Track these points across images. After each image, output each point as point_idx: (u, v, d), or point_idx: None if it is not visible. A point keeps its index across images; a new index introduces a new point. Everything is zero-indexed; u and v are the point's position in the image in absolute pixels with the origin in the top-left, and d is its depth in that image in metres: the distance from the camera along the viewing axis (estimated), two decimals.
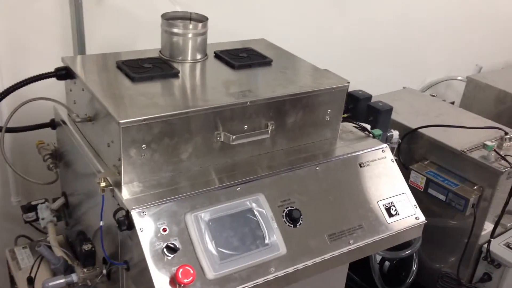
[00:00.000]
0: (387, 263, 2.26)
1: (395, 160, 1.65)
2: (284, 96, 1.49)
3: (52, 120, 1.75)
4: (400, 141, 2.18)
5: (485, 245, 2.16)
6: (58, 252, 1.65)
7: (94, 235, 1.55)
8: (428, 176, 2.16)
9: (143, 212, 1.24)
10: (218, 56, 1.70)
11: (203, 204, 1.31)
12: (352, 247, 1.45)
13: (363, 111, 2.02)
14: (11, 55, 1.82)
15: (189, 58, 1.63)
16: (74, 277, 1.51)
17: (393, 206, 1.56)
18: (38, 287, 1.64)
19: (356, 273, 2.20)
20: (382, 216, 1.53)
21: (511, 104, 2.75)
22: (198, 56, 1.65)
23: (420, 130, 2.24)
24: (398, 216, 1.56)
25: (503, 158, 2.05)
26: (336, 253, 1.42)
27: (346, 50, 2.73)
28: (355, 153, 1.60)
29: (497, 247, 2.17)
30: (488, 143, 2.06)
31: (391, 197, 1.58)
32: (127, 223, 1.23)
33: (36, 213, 1.79)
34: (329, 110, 1.60)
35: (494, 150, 2.07)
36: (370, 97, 2.05)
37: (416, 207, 1.60)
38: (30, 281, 1.66)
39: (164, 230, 1.24)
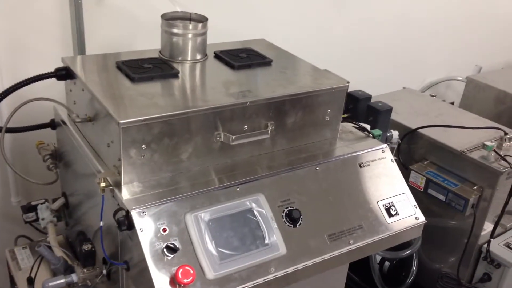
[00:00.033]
0: (387, 263, 2.26)
1: (395, 160, 1.65)
2: (284, 96, 1.49)
3: (52, 121, 1.75)
4: (400, 141, 2.18)
5: (485, 245, 2.16)
6: (58, 252, 1.65)
7: (94, 235, 1.55)
8: (428, 176, 2.16)
9: (143, 212, 1.24)
10: (218, 56, 1.70)
11: (203, 204, 1.31)
12: (352, 247, 1.45)
13: (363, 111, 2.02)
14: (11, 55, 1.82)
15: (189, 58, 1.63)
16: (74, 277, 1.51)
17: (393, 206, 1.56)
18: (38, 287, 1.64)
19: (356, 273, 2.20)
20: (382, 216, 1.53)
21: (511, 104, 2.75)
22: (198, 56, 1.65)
23: (420, 130, 2.24)
24: (398, 216, 1.56)
25: (503, 158, 2.05)
26: (336, 253, 1.42)
27: (346, 50, 2.73)
28: (355, 153, 1.60)
29: (497, 247, 2.17)
30: (488, 143, 2.06)
31: (391, 197, 1.58)
32: (127, 223, 1.23)
33: (36, 213, 1.79)
34: (329, 110, 1.60)
35: (494, 150, 2.07)
36: (369, 97, 2.06)
37: (416, 207, 1.60)
38: (30, 281, 1.66)
39: (164, 230, 1.24)
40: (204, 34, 1.63)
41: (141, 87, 1.44)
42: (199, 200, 1.31)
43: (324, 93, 1.56)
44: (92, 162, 1.43)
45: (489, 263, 2.17)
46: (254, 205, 1.36)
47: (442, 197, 2.13)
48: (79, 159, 1.54)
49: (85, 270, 1.51)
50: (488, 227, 2.15)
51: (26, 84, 1.59)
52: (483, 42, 3.48)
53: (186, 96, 1.49)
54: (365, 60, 2.83)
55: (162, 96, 1.44)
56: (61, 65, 1.57)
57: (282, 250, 1.34)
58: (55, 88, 1.68)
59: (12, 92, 1.59)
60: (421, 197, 2.04)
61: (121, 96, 1.40)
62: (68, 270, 1.58)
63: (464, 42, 3.36)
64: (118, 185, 1.31)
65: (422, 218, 1.60)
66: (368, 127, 1.78)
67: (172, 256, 1.21)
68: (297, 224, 1.39)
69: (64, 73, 1.55)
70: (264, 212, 1.36)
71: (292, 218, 1.38)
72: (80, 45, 1.88)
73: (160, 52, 1.65)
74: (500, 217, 2.14)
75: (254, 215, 1.35)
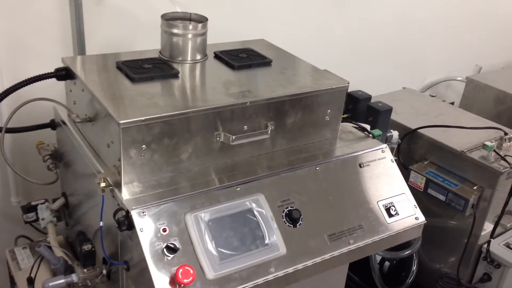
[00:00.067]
0: (387, 263, 2.26)
1: (395, 160, 1.65)
2: (283, 97, 1.49)
3: (52, 121, 1.75)
4: (399, 141, 2.18)
5: (485, 245, 2.16)
6: (58, 252, 1.65)
7: (94, 235, 1.55)
8: (427, 176, 2.16)
9: (143, 212, 1.24)
10: (218, 56, 1.70)
11: (203, 204, 1.31)
12: (352, 247, 1.45)
13: (363, 111, 2.02)
14: (11, 55, 1.82)
15: (189, 58, 1.63)
16: (74, 277, 1.51)
17: (393, 206, 1.56)
18: (38, 287, 1.64)
19: (356, 273, 2.20)
20: (382, 216, 1.54)
21: (510, 104, 2.75)
22: (198, 57, 1.65)
23: (419, 130, 2.24)
24: (398, 216, 1.56)
25: (503, 158, 2.05)
26: (336, 253, 1.42)
27: (346, 50, 2.74)
28: (355, 153, 1.60)
29: (497, 247, 2.17)
30: (488, 143, 2.06)
31: (391, 197, 1.58)
32: (127, 223, 1.23)
33: (36, 214, 1.79)
34: (329, 111, 1.60)
35: (494, 151, 2.07)
36: (369, 97, 2.06)
37: (416, 207, 1.60)
38: (30, 281, 1.66)
39: (164, 230, 1.24)
40: (204, 34, 1.63)
41: (141, 87, 1.44)
42: (199, 200, 1.32)
43: (324, 93, 1.56)
44: (92, 162, 1.43)
45: (489, 263, 2.17)
46: (254, 205, 1.36)
47: (442, 197, 2.13)
48: (79, 159, 1.54)
49: (85, 270, 1.51)
50: (488, 227, 2.15)
51: (26, 84, 1.59)
52: (483, 42, 3.48)
53: (186, 96, 1.49)
54: (365, 60, 2.83)
55: (162, 96, 1.44)
56: (61, 65, 1.57)
57: (282, 250, 1.34)
58: (55, 88, 1.68)
59: (12, 92, 1.59)
60: (421, 197, 2.04)
61: (121, 96, 1.40)
62: (68, 270, 1.58)
63: (464, 42, 3.36)
64: (118, 185, 1.31)
65: (422, 218, 1.60)
66: (368, 127, 1.78)
67: (172, 256, 1.21)
68: (297, 224, 1.39)
69: (64, 73, 1.55)
70: (264, 212, 1.36)
71: (292, 218, 1.38)
72: (80, 45, 1.88)
73: (160, 52, 1.65)
74: (500, 217, 2.14)
75: (254, 215, 1.35)
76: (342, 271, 1.71)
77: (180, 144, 1.36)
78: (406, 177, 2.14)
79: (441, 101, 2.77)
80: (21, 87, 1.59)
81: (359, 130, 1.75)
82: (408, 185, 1.65)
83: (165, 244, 1.22)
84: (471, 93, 2.90)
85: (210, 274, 1.24)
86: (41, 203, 1.80)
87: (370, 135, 1.73)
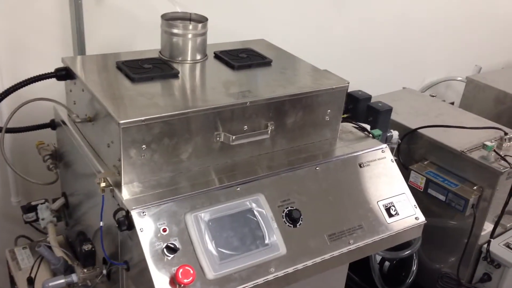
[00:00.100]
0: (387, 263, 2.26)
1: (395, 160, 1.65)
2: (283, 97, 1.49)
3: (52, 121, 1.75)
4: (399, 141, 2.18)
5: (485, 245, 2.16)
6: (58, 252, 1.65)
7: (94, 235, 1.55)
8: (427, 176, 2.16)
9: (143, 212, 1.24)
10: (218, 56, 1.70)
11: (203, 204, 1.31)
12: (352, 247, 1.45)
13: (363, 111, 2.02)
14: (11, 55, 1.82)
15: (189, 58, 1.63)
16: (74, 277, 1.51)
17: (393, 206, 1.56)
18: (38, 287, 1.64)
19: (356, 273, 2.20)
20: (382, 216, 1.54)
21: (510, 104, 2.75)
22: (198, 57, 1.65)
23: (419, 130, 2.24)
24: (398, 216, 1.56)
25: (503, 158, 2.05)
26: (336, 253, 1.42)
27: (346, 50, 2.74)
28: (355, 153, 1.60)
29: (497, 247, 2.17)
30: (488, 143, 2.06)
31: (391, 197, 1.58)
32: (127, 223, 1.23)
33: (36, 214, 1.79)
34: (329, 111, 1.60)
35: (494, 151, 2.07)
36: (369, 97, 2.06)
37: (416, 207, 1.60)
38: (30, 281, 1.66)
39: (164, 230, 1.24)
40: (204, 34, 1.63)
41: (141, 87, 1.44)
42: (199, 200, 1.32)
43: (324, 93, 1.56)
44: (92, 162, 1.43)
45: (489, 263, 2.17)
46: (254, 205, 1.36)
47: (442, 197, 2.13)
48: (79, 159, 1.54)
49: (85, 270, 1.51)
50: (488, 227, 2.15)
51: (26, 84, 1.59)
52: (483, 42, 3.48)
53: (186, 96, 1.49)
54: (365, 60, 2.83)
55: (162, 96, 1.44)
56: (61, 65, 1.57)
57: (282, 250, 1.34)
58: (55, 88, 1.68)
59: (12, 92, 1.59)
60: (421, 197, 2.04)
61: (121, 96, 1.40)
62: (68, 270, 1.58)
63: (464, 42, 3.36)
64: (118, 185, 1.31)
65: (422, 218, 1.60)
66: (368, 127, 1.78)
67: (172, 256, 1.21)
68: (297, 224, 1.39)
69: (64, 73, 1.55)
70: (264, 212, 1.36)
71: (292, 218, 1.38)
72: (80, 45, 1.88)
73: (160, 52, 1.65)
74: (500, 217, 2.14)
75: (254, 215, 1.35)
76: (342, 271, 1.71)
77: (180, 144, 1.36)
78: (406, 177, 2.14)
79: (441, 101, 2.77)
80: (21, 87, 1.59)
81: (359, 130, 1.75)
82: (408, 185, 1.65)
83: (165, 244, 1.22)
84: (471, 93, 2.90)
85: (210, 274, 1.24)
86: (41, 203, 1.80)
87: (370, 135, 1.73)
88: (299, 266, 1.35)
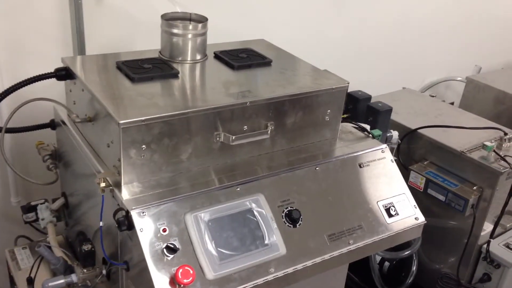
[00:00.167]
0: (386, 263, 2.26)
1: (395, 160, 1.65)
2: (283, 97, 1.49)
3: (52, 121, 1.75)
4: (399, 141, 2.18)
5: (485, 246, 2.16)
6: (58, 252, 1.65)
7: (94, 235, 1.55)
8: (427, 176, 2.16)
9: (143, 213, 1.24)
10: (217, 56, 1.70)
11: (203, 205, 1.31)
12: (352, 247, 1.45)
13: (363, 111, 2.02)
14: (11, 55, 1.82)
15: (188, 58, 1.63)
16: (74, 278, 1.51)
17: (393, 206, 1.57)
18: (38, 287, 1.64)
19: (355, 273, 2.20)
20: (382, 216, 1.54)
21: (510, 104, 2.76)
22: (198, 57, 1.65)
23: (419, 130, 2.24)
24: (398, 217, 1.56)
25: (503, 158, 2.05)
26: (335, 253, 1.42)
27: (346, 50, 2.74)
28: (355, 153, 1.60)
29: (496, 247, 2.17)
30: (488, 143, 2.06)
31: (391, 197, 1.58)
32: (127, 224, 1.23)
33: (36, 214, 1.79)
34: (329, 111, 1.60)
35: (494, 151, 2.07)
36: (369, 97, 2.06)
37: (415, 208, 1.60)
38: (30, 281, 1.66)
39: (164, 230, 1.24)
40: (204, 34, 1.63)
41: (141, 87, 1.44)
42: (199, 200, 1.32)
43: (324, 94, 1.56)
44: (92, 162, 1.43)
45: (488, 263, 2.17)
46: (254, 205, 1.36)
47: (442, 198, 2.13)
48: (79, 159, 1.54)
49: (85, 270, 1.51)
50: (488, 227, 2.16)
51: (26, 84, 1.59)
52: (483, 43, 3.48)
53: (186, 96, 1.49)
54: (365, 60, 2.83)
55: (162, 96, 1.44)
56: (61, 65, 1.57)
57: (282, 250, 1.34)
58: (55, 88, 1.68)
59: (12, 92, 1.59)
60: (421, 198, 2.04)
61: (121, 96, 1.40)
62: (68, 270, 1.58)
63: (464, 42, 3.36)
64: (118, 185, 1.31)
65: (422, 219, 1.60)
66: (368, 127, 1.78)
67: (172, 256, 1.21)
68: (297, 224, 1.39)
69: (64, 73, 1.55)
70: (264, 212, 1.36)
71: (292, 218, 1.38)
72: (80, 45, 1.88)
73: (160, 52, 1.65)
74: (500, 217, 2.14)
75: (254, 215, 1.35)
76: (342, 271, 1.71)
77: (180, 144, 1.36)
78: (406, 177, 2.14)
79: (441, 101, 2.78)
80: (21, 87, 1.59)
81: (359, 130, 1.75)
82: (408, 185, 1.65)
83: (165, 244, 1.22)
84: (471, 93, 2.91)
85: (210, 274, 1.24)
86: (41, 203, 1.80)
87: (370, 135, 1.73)
88: (299, 266, 1.35)
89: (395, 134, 2.09)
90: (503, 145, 2.13)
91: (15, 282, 1.74)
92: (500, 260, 2.14)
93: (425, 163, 2.23)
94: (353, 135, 1.72)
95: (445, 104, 2.68)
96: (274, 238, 1.34)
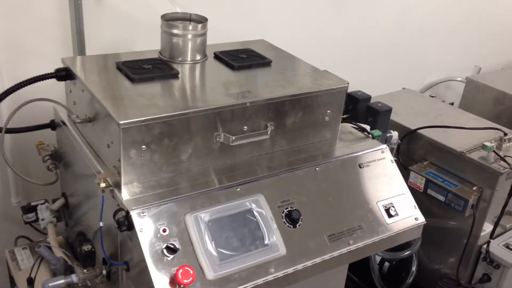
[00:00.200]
0: (386, 263, 2.26)
1: (395, 160, 1.65)
2: (283, 97, 1.49)
3: (52, 121, 1.75)
4: (399, 141, 2.18)
5: (485, 246, 2.16)
6: (58, 252, 1.65)
7: (94, 235, 1.56)
8: (427, 177, 2.16)
9: (143, 213, 1.24)
10: (217, 57, 1.70)
11: (203, 205, 1.31)
12: (352, 247, 1.45)
13: (363, 112, 2.02)
14: (11, 55, 1.82)
15: (188, 59, 1.63)
16: (74, 278, 1.51)
17: (393, 206, 1.57)
18: (38, 287, 1.64)
19: (355, 273, 2.20)
20: (382, 216, 1.54)
21: (510, 105, 2.76)
22: (198, 57, 1.65)
23: (419, 131, 2.24)
24: (398, 217, 1.56)
25: (502, 159, 2.05)
26: (335, 253, 1.42)
27: (346, 50, 2.74)
28: (355, 153, 1.60)
29: (496, 247, 2.17)
30: (487, 144, 2.06)
31: (391, 197, 1.58)
32: (127, 224, 1.23)
33: (36, 214, 1.79)
34: (329, 111, 1.60)
35: (493, 151, 2.07)
36: (369, 98, 2.06)
37: (415, 208, 1.60)
38: (30, 281, 1.66)
39: (164, 230, 1.24)
40: (204, 34, 1.63)
41: (141, 88, 1.44)
42: (199, 200, 1.32)
43: (324, 94, 1.57)
44: (92, 163, 1.43)
45: (488, 263, 2.17)
46: (254, 205, 1.36)
47: (441, 198, 2.13)
48: (79, 159, 1.54)
49: (85, 270, 1.51)
50: (487, 227, 2.16)
51: (26, 85, 1.59)
52: (483, 43, 3.48)
53: (186, 97, 1.49)
54: (364, 61, 2.83)
55: (162, 97, 1.44)
56: (61, 65, 1.57)
57: (282, 250, 1.34)
58: (55, 88, 1.68)
59: (12, 92, 1.60)
60: (421, 198, 2.04)
61: (121, 96, 1.40)
62: (68, 270, 1.58)
63: (464, 42, 3.36)
64: (118, 185, 1.31)
65: (421, 219, 1.60)
66: (367, 127, 1.78)
67: (172, 256, 1.22)
68: (297, 225, 1.39)
69: (64, 74, 1.55)
70: (264, 213, 1.36)
71: (291, 218, 1.38)
72: (80, 46, 1.88)
73: (160, 52, 1.66)
74: (499, 217, 2.14)
75: (254, 216, 1.35)
76: (341, 271, 1.72)
77: (180, 144, 1.36)
78: (406, 178, 2.14)
79: (441, 101, 2.77)
80: (21, 87, 1.59)
81: (358, 130, 1.76)
82: (408, 186, 1.65)
83: (165, 245, 1.22)
84: (471, 93, 2.91)
85: (210, 274, 1.24)
86: (41, 204, 1.80)
87: (370, 135, 1.73)
88: (299, 266, 1.35)
89: (395, 134, 2.09)
90: (503, 146, 2.13)
91: (15, 283, 1.74)
92: (500, 260, 2.14)
93: (425, 163, 2.23)
94: (353, 136, 1.72)
95: (445, 104, 2.69)
96: (274, 238, 1.34)
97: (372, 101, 2.06)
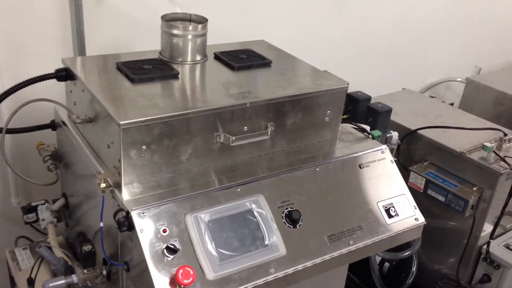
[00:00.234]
0: (386, 264, 2.26)
1: (395, 161, 1.65)
2: (283, 98, 1.49)
3: (52, 121, 1.75)
4: (399, 142, 2.18)
5: (485, 246, 2.16)
6: (58, 253, 1.65)
7: (94, 236, 1.56)
8: (427, 177, 2.16)
9: (143, 213, 1.24)
10: (217, 57, 1.70)
11: (203, 205, 1.31)
12: (352, 248, 1.45)
13: (363, 112, 2.02)
14: (11, 56, 1.82)
15: (189, 59, 1.63)
16: (74, 278, 1.51)
17: (393, 207, 1.57)
18: None
19: (355, 274, 2.20)
20: (382, 217, 1.54)
21: (510, 105, 2.76)
22: (198, 58, 1.65)
23: (419, 131, 2.25)
24: (398, 217, 1.56)
25: (502, 159, 2.05)
26: (335, 254, 1.42)
27: (346, 51, 2.74)
28: (355, 154, 1.60)
29: (496, 248, 2.17)
30: (487, 144, 2.06)
31: (391, 198, 1.58)
32: (127, 224, 1.23)
33: (36, 214, 1.79)
34: (329, 111, 1.60)
35: (493, 151, 2.07)
36: (369, 98, 2.06)
37: (415, 208, 1.61)
38: (30, 282, 1.66)
39: (164, 231, 1.24)
40: (204, 35, 1.64)
41: (141, 88, 1.44)
42: (199, 201, 1.32)
43: (324, 94, 1.57)
44: (92, 163, 1.44)
45: (488, 264, 2.17)
46: (254, 206, 1.36)
47: (441, 198, 2.13)
48: (79, 160, 1.54)
49: (85, 270, 1.51)
50: (487, 228, 2.16)
51: (27, 85, 1.59)
52: (483, 43, 3.48)
53: (186, 97, 1.49)
54: (364, 61, 2.83)
55: (162, 97, 1.44)
56: (61, 66, 1.57)
57: (282, 251, 1.34)
58: (55, 89, 1.68)
59: (12, 93, 1.60)
60: (421, 198, 2.04)
61: (121, 97, 1.40)
62: (68, 270, 1.58)
63: (464, 43, 3.36)
64: (118, 186, 1.31)
65: (421, 219, 1.60)
66: (367, 128, 1.78)
67: (172, 256, 1.22)
68: (297, 225, 1.39)
69: (64, 74, 1.55)
70: (264, 213, 1.36)
71: (292, 219, 1.38)
72: (80, 46, 1.88)
73: (160, 53, 1.66)
74: (499, 218, 2.14)
75: (254, 216, 1.35)
76: (342, 272, 1.72)
77: (180, 145, 1.37)
78: (406, 178, 2.14)
79: (441, 102, 2.78)
80: (22, 87, 1.59)
81: (358, 131, 1.76)
82: (408, 186, 1.65)
83: (165, 245, 1.22)
84: (471, 94, 2.91)
85: (210, 274, 1.24)
86: (41, 204, 1.80)
87: (370, 136, 1.73)
88: (299, 267, 1.35)
89: (395, 135, 2.09)
90: (503, 146, 2.13)
91: (15, 283, 1.74)
92: (500, 261, 2.14)
93: (425, 163, 2.23)
94: (353, 136, 1.72)
95: (445, 104, 2.69)
96: (274, 238, 1.35)
97: (372, 101, 2.06)
